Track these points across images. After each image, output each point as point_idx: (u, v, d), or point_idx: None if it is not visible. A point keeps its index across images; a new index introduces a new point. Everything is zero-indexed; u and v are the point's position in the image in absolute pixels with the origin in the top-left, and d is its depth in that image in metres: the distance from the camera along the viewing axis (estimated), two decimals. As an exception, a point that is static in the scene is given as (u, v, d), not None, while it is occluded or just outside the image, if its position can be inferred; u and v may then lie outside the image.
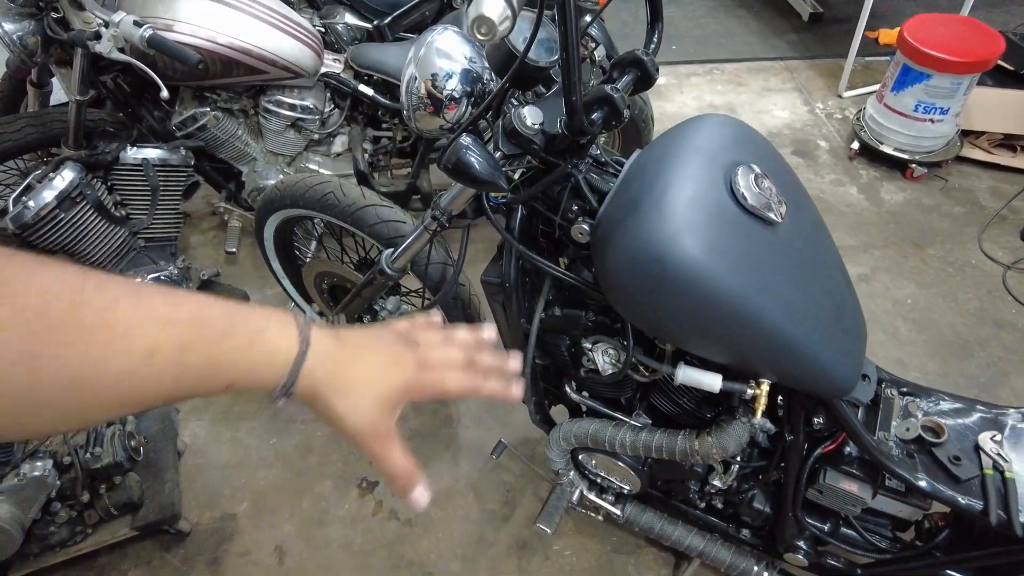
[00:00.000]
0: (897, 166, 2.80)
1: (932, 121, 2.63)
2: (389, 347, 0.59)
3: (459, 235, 1.35)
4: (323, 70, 2.07)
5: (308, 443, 1.99)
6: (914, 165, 2.73)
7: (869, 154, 2.85)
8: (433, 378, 0.59)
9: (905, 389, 1.32)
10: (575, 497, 1.58)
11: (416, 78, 1.17)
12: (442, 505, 1.84)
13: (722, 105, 3.16)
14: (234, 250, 2.35)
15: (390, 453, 0.56)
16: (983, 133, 2.83)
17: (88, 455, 1.54)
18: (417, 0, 2.19)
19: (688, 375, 1.15)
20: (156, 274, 1.93)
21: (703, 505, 1.52)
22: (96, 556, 1.75)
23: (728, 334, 1.02)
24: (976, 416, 1.27)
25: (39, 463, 1.52)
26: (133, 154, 1.91)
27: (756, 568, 1.51)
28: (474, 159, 0.96)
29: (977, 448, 1.22)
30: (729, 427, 1.20)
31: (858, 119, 2.90)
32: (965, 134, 2.85)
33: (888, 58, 2.83)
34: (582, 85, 1.04)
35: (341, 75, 2.10)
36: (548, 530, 1.50)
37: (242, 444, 1.99)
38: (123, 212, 1.94)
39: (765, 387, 1.11)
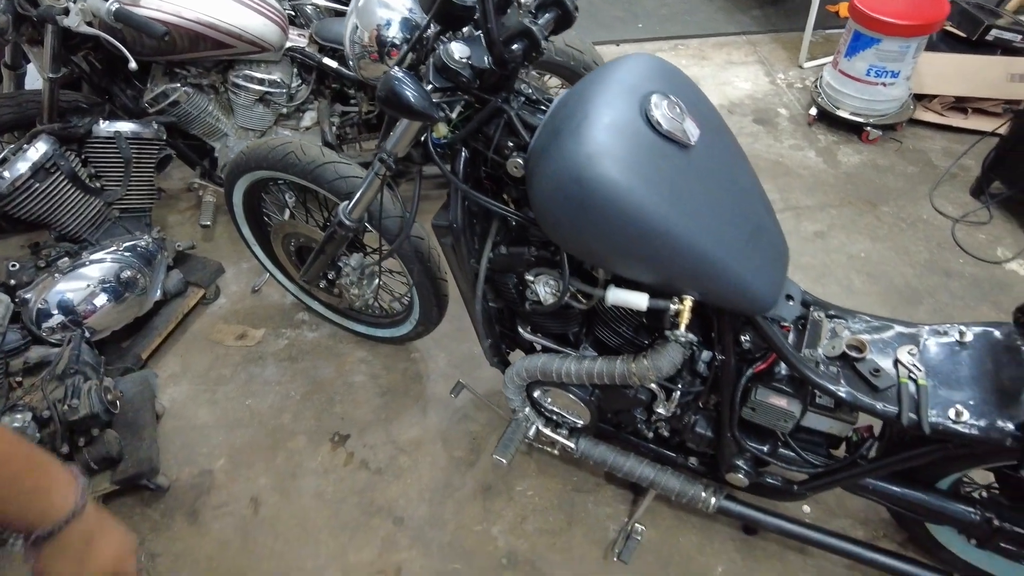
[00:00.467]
0: (854, 130, 2.89)
1: (884, 84, 2.72)
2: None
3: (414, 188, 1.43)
4: (288, 44, 2.15)
5: (282, 403, 2.06)
6: (869, 128, 2.82)
7: (827, 119, 2.94)
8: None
9: (832, 312, 1.41)
10: (532, 433, 1.66)
11: (358, 27, 1.25)
12: (411, 454, 1.92)
13: (685, 78, 3.24)
14: (208, 223, 2.42)
15: None
16: (936, 97, 2.93)
17: (66, 407, 1.61)
18: None
19: (617, 296, 1.23)
20: (132, 243, 2.00)
21: (651, 435, 1.61)
22: (79, 511, 1.82)
23: (646, 250, 1.10)
24: (896, 333, 1.35)
25: (18, 415, 1.59)
26: (106, 127, 1.99)
27: (704, 494, 1.59)
28: (406, 90, 1.04)
29: (896, 362, 1.30)
30: (662, 348, 1.28)
31: (816, 86, 2.99)
32: (919, 98, 2.95)
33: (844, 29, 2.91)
34: (507, 26, 1.12)
35: (306, 49, 2.18)
36: (503, 460, 1.58)
37: (219, 406, 2.06)
38: (98, 184, 2.01)
39: (688, 302, 1.19)
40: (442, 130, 1.24)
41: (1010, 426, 1.15)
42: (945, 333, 1.34)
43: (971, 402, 1.21)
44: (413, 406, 2.04)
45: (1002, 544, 1.36)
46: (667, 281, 1.18)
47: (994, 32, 3.06)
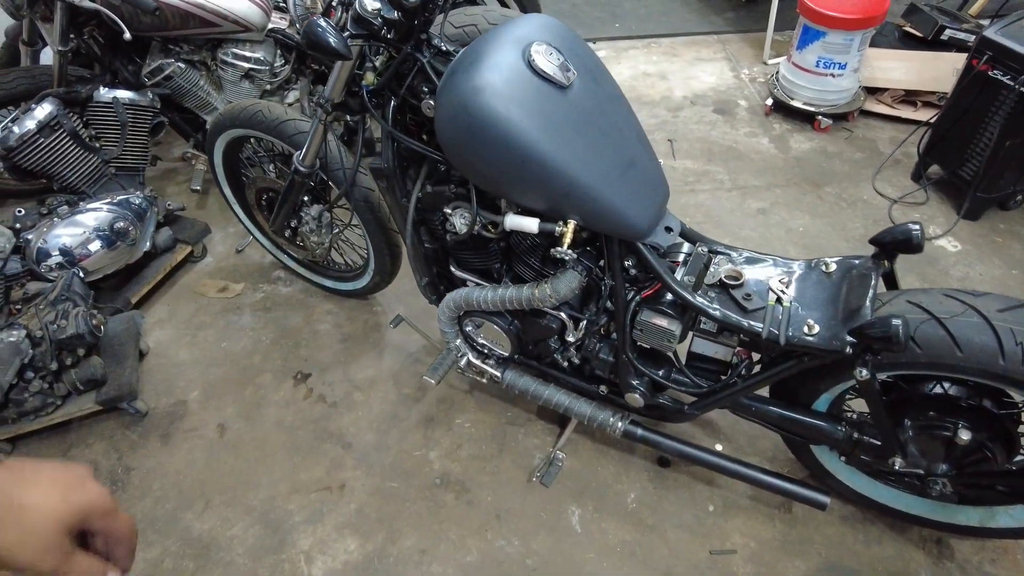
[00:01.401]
0: (807, 119, 3.06)
1: (833, 75, 2.89)
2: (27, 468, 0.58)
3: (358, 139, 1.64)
4: (271, 26, 2.39)
5: (254, 346, 2.28)
6: (820, 117, 2.99)
7: (783, 110, 3.12)
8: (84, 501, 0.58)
9: (717, 248, 1.58)
10: (463, 363, 1.85)
11: (300, -10, 1.47)
12: (364, 391, 2.12)
13: (654, 72, 3.44)
14: (199, 188, 2.67)
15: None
16: (887, 90, 3.09)
17: (55, 327, 1.84)
18: None
19: (513, 220, 1.43)
20: (125, 197, 2.25)
21: (566, 365, 1.79)
22: (67, 431, 2.05)
23: (524, 174, 1.29)
24: (772, 266, 1.53)
25: (14, 332, 1.82)
26: (105, 93, 2.24)
27: (612, 419, 1.76)
28: (324, 34, 1.26)
29: (768, 289, 1.48)
30: (560, 274, 1.47)
31: (773, 78, 3.17)
32: (872, 91, 3.11)
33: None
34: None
35: (287, 30, 2.42)
36: (432, 381, 1.78)
37: (198, 347, 2.28)
38: (97, 144, 2.26)
39: (571, 225, 1.38)
40: (370, 78, 1.45)
41: (848, 335, 1.32)
42: (815, 266, 1.51)
43: (822, 319, 1.38)
44: (371, 351, 2.24)
45: (862, 456, 1.52)
46: (551, 206, 1.37)
47: (948, 32, 3.22)
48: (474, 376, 1.90)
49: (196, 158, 2.68)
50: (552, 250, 1.42)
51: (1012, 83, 2.26)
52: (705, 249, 1.57)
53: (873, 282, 1.39)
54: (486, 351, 1.85)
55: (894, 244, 1.42)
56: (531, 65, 1.28)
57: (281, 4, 2.59)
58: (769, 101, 3.12)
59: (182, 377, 2.20)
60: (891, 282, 1.49)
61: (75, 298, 1.93)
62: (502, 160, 1.29)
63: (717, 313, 1.43)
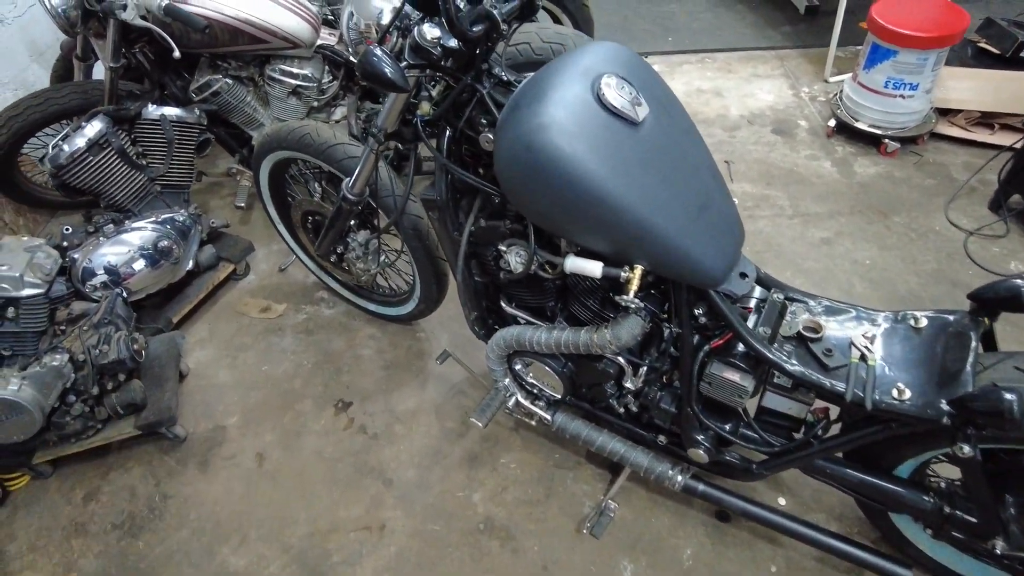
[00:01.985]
0: (873, 142, 2.90)
1: (903, 97, 2.73)
2: None
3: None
4: (319, 42, 2.34)
5: (295, 370, 2.22)
6: (887, 140, 2.82)
7: (847, 132, 2.96)
8: None
9: (793, 295, 1.46)
10: (511, 403, 1.76)
11: (354, 15, 1.40)
12: (406, 423, 2.05)
13: (708, 89, 3.31)
14: (243, 205, 2.64)
15: None
16: (961, 111, 2.91)
17: (97, 351, 1.81)
18: None
19: (575, 263, 1.33)
20: (170, 215, 2.21)
21: (622, 411, 1.68)
22: (106, 454, 2.02)
23: (591, 216, 1.20)
24: (854, 318, 1.40)
25: (57, 356, 1.79)
26: (153, 111, 2.21)
27: (671, 472, 1.65)
28: (381, 64, 1.18)
29: (851, 344, 1.35)
30: (622, 319, 1.37)
31: (836, 98, 3.01)
32: (944, 112, 2.93)
33: (871, 42, 2.93)
34: (474, 11, 1.25)
35: (336, 47, 2.37)
36: (480, 423, 1.69)
37: (238, 370, 2.24)
38: (143, 161, 2.24)
39: (638, 271, 1.28)
40: (426, 108, 1.37)
41: (945, 404, 1.19)
42: (902, 319, 1.38)
43: (915, 382, 1.25)
44: (413, 380, 2.17)
45: (953, 533, 1.38)
46: (616, 249, 1.27)
47: (1029, 49, 3.02)
48: (522, 417, 1.80)
49: (241, 174, 2.65)
50: (616, 297, 1.32)
51: (1111, 112, 2.07)
52: (780, 296, 1.45)
53: (973, 344, 1.25)
54: (536, 391, 1.75)
55: (997, 301, 1.29)
56: (600, 99, 1.19)
57: (330, 18, 2.54)
58: (832, 122, 2.96)
59: (221, 401, 2.15)
60: (990, 342, 1.35)
61: (118, 321, 1.90)
62: (566, 201, 1.20)
63: (795, 370, 1.32)
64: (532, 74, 1.33)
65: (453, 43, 1.21)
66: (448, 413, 2.07)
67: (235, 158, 2.65)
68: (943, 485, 1.47)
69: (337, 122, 2.54)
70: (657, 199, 1.21)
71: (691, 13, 3.92)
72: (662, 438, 1.67)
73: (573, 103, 1.17)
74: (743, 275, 1.39)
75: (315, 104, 2.47)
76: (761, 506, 1.63)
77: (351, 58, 2.35)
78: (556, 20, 2.81)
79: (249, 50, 2.24)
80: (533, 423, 1.81)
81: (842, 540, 1.57)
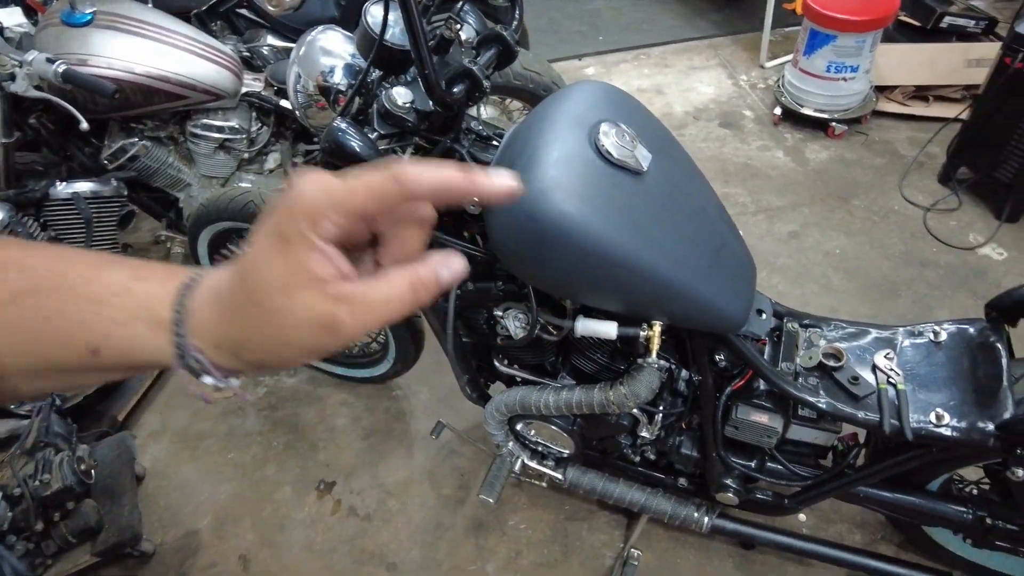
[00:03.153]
0: (819, 126, 2.90)
1: (845, 80, 2.74)
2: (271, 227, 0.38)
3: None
4: (244, 90, 2.13)
5: (266, 454, 2.02)
6: (834, 123, 2.83)
7: (792, 118, 2.95)
8: (339, 190, 0.37)
9: (807, 322, 1.39)
10: (518, 467, 1.63)
11: (301, 76, 1.23)
12: (399, 497, 1.89)
13: (648, 87, 3.25)
14: (179, 275, 2.39)
15: (365, 311, 0.37)
16: (897, 87, 2.95)
17: (37, 483, 1.57)
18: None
19: (587, 326, 1.21)
20: (98, 304, 1.96)
21: (638, 459, 1.58)
22: (62, 586, 1.77)
23: (608, 280, 1.08)
24: (872, 338, 1.34)
25: (-12, 495, 1.54)
26: (63, 189, 1.95)
27: (696, 514, 1.56)
28: (350, 140, 1.03)
29: (874, 367, 1.29)
30: (638, 374, 1.26)
31: (779, 85, 3.00)
32: (880, 90, 2.97)
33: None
34: (451, 64, 1.11)
35: (262, 93, 2.16)
36: (490, 500, 1.55)
37: (201, 462, 2.02)
38: (59, 247, 1.97)
39: (657, 328, 1.17)
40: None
41: (991, 426, 1.14)
42: (920, 334, 1.33)
43: (951, 403, 1.20)
44: (398, 446, 2.01)
45: (997, 542, 1.35)
46: (633, 308, 1.16)
47: (947, 19, 3.09)
48: (531, 480, 1.68)
49: (171, 240, 2.40)
50: (640, 360, 1.21)
51: (1053, 81, 2.11)
52: (795, 324, 1.38)
53: (1003, 358, 1.21)
54: (542, 449, 1.63)
55: (1016, 309, 1.25)
56: (601, 152, 1.07)
57: (251, 60, 2.31)
58: (778, 110, 2.95)
59: (188, 501, 1.93)
60: (1008, 348, 1.31)
61: (56, 441, 1.66)
62: (579, 269, 1.07)
63: (825, 406, 1.25)
64: (513, 127, 1.20)
65: (429, 106, 1.07)
66: (443, 479, 1.92)
67: (162, 223, 2.39)
68: (975, 492, 1.44)
69: (271, 171, 2.33)
70: (674, 252, 1.10)
71: (617, 9, 3.86)
72: (682, 480, 1.58)
73: (573, 160, 1.05)
74: (760, 311, 1.31)
75: (246, 156, 2.25)
76: (783, 532, 1.58)
77: (281, 103, 2.15)
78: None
79: (167, 108, 2.00)
80: (544, 484, 1.69)
81: (871, 556, 1.53)
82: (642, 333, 1.18)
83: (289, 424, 2.08)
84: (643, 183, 1.10)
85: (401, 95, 1.05)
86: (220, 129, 2.14)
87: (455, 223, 1.33)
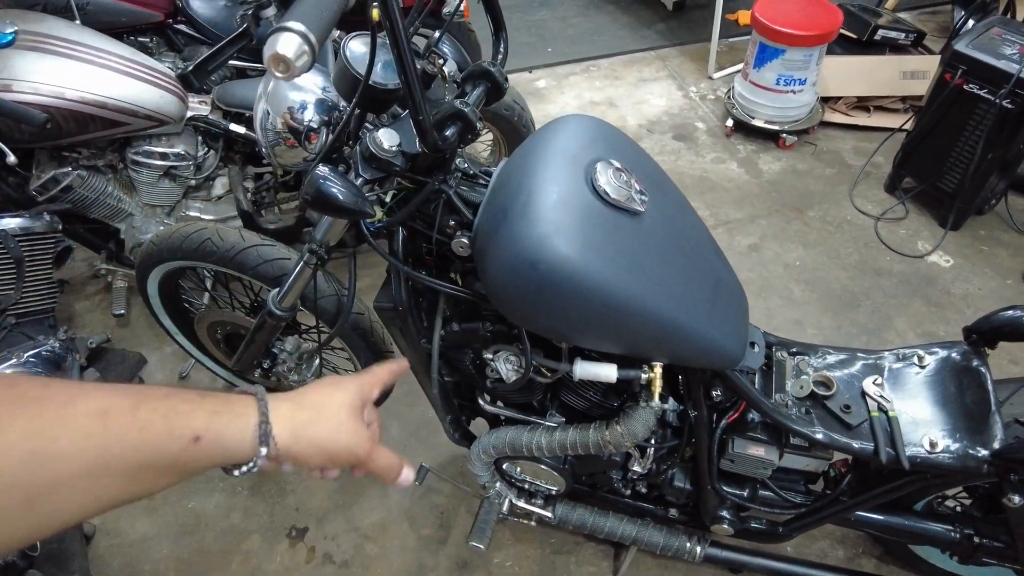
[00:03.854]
0: (770, 137, 2.96)
1: (794, 92, 2.80)
2: (326, 379, 0.67)
3: (348, 265, 1.32)
4: (190, 114, 1.99)
5: (229, 501, 1.90)
6: (784, 135, 2.89)
7: (744, 129, 3.01)
8: (370, 376, 0.70)
9: (794, 349, 1.39)
10: (505, 507, 1.58)
11: (269, 113, 1.14)
12: (377, 539, 1.80)
13: (602, 100, 3.25)
14: (123, 312, 2.22)
15: (377, 455, 0.65)
16: (840, 98, 3.04)
17: (-25, 561, 1.41)
18: (221, 44, 2.03)
19: (586, 370, 1.17)
20: (36, 350, 1.80)
21: (628, 492, 1.55)
22: (6, 666, 1.61)
23: (612, 325, 1.04)
24: (859, 364, 1.35)
25: (-82, 578, 1.38)
26: (-12, 227, 1.77)
27: (688, 544, 1.55)
28: (334, 188, 0.94)
29: (863, 394, 1.30)
30: (635, 413, 1.23)
31: (729, 97, 3.05)
32: (825, 100, 3.05)
33: (747, 37, 2.98)
34: (436, 102, 1.05)
35: (209, 116, 2.02)
36: (481, 546, 1.49)
37: (158, 513, 1.88)
38: (-14, 291, 1.80)
39: (659, 369, 1.14)
40: (376, 213, 1.14)
41: (984, 452, 1.16)
42: (905, 358, 1.35)
43: (943, 429, 1.22)
44: (371, 486, 1.91)
45: (984, 559, 1.38)
46: (635, 350, 1.13)
47: (881, 32, 3.20)
48: (519, 520, 1.62)
49: (112, 274, 2.23)
50: (643, 404, 1.17)
51: (992, 97, 2.21)
52: (784, 353, 1.37)
53: (989, 383, 1.24)
54: (530, 487, 1.58)
55: (994, 333, 1.28)
56: (599, 193, 1.03)
57: (197, 83, 2.17)
58: (730, 122, 2.99)
59: (147, 559, 1.79)
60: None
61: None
62: (579, 314, 1.03)
63: (822, 437, 1.24)
64: (501, 165, 1.14)
65: (416, 148, 1.00)
66: (421, 518, 1.84)
67: (101, 255, 2.22)
68: (958, 510, 1.48)
69: (220, 198, 2.19)
70: (676, 292, 1.07)
71: (563, 19, 3.85)
72: (673, 512, 1.56)
73: (571, 203, 1.00)
74: (752, 344, 1.30)
75: (192, 183, 2.11)
76: (780, 558, 1.59)
77: (231, 127, 2.02)
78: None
79: (104, 136, 1.85)
80: (532, 523, 1.64)
81: (859, 576, 1.55)
82: (644, 376, 1.15)
83: (252, 468, 1.96)
84: (641, 223, 1.07)
85: (387, 138, 0.98)
86: (164, 156, 2.00)
87: (438, 261, 1.27)
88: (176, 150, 2.00)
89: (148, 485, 0.50)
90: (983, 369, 1.26)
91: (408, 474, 0.69)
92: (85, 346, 2.00)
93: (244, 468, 0.56)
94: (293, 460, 0.59)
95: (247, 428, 0.54)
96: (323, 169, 0.95)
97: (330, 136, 1.08)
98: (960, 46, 2.27)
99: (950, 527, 1.39)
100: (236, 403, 0.55)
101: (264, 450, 0.55)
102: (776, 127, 2.90)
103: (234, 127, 2.03)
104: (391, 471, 0.67)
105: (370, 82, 0.95)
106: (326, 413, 0.61)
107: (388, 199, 1.14)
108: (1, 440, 0.40)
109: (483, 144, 2.54)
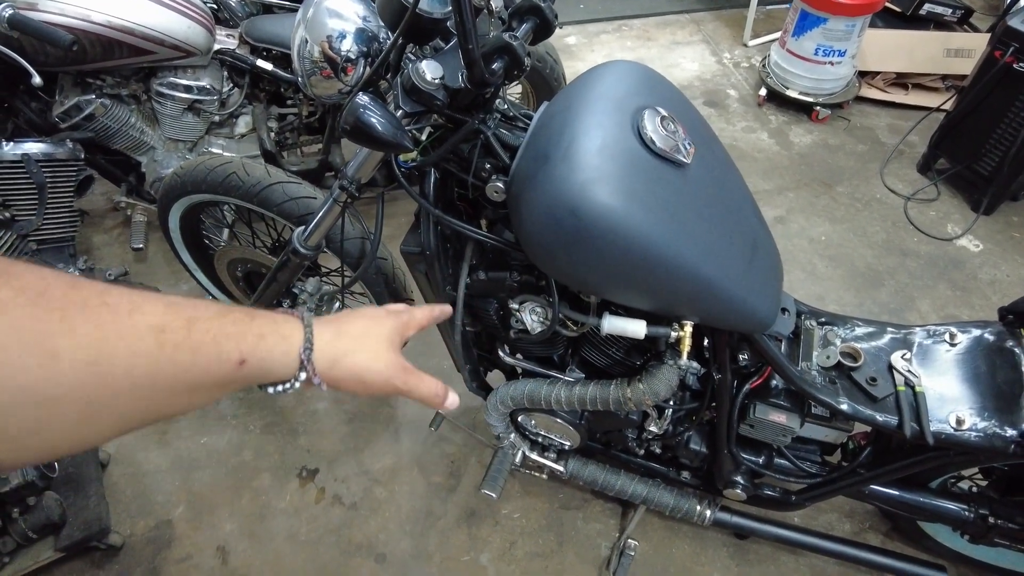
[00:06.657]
0: (803, 109, 2.89)
1: (832, 63, 2.72)
2: (367, 310, 0.68)
3: (375, 207, 1.30)
4: (217, 47, 1.95)
5: (241, 439, 1.91)
6: (819, 107, 2.82)
7: (776, 99, 2.93)
8: (410, 316, 0.71)
9: (823, 319, 1.37)
10: (518, 459, 1.58)
11: (308, 41, 1.11)
12: (387, 484, 1.81)
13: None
14: (141, 246, 2.21)
15: (417, 382, 0.65)
16: (878, 73, 2.96)
17: (-5, 478, 1.43)
18: None
19: (614, 324, 1.15)
20: (53, 278, 1.79)
21: (642, 452, 1.55)
22: (21, 583, 1.64)
23: (648, 279, 1.02)
24: (888, 338, 1.33)
25: (-61, 492, 1.40)
26: (10, 150, 1.75)
27: (699, 508, 1.55)
28: (374, 119, 0.92)
29: (891, 368, 1.28)
30: (658, 371, 1.21)
31: (764, 66, 2.97)
32: (862, 75, 2.97)
33: (787, 5, 2.90)
34: (480, 36, 1.01)
35: (237, 51, 1.98)
36: (493, 495, 1.50)
37: (171, 447, 1.89)
38: (7, 214, 1.78)
39: (688, 328, 1.13)
40: (410, 152, 1.11)
41: (1013, 432, 1.14)
42: (936, 335, 1.32)
43: (970, 408, 1.20)
44: (384, 432, 1.93)
45: (996, 540, 1.38)
46: (667, 307, 1.11)
47: (927, 6, 3.11)
48: (531, 472, 1.63)
49: (132, 207, 2.22)
50: (670, 362, 1.16)
51: (1043, 76, 2.14)
52: (813, 322, 1.35)
53: (1023, 364, 1.21)
54: (544, 441, 1.58)
55: (1035, 313, 1.25)
56: (645, 141, 0.99)
57: (222, 14, 2.12)
58: (763, 91, 2.92)
59: (159, 489, 1.81)
60: (1021, 348, 1.32)
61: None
62: (617, 265, 1.00)
63: (846, 407, 1.23)
64: (542, 107, 1.11)
65: (459, 83, 0.97)
66: (432, 465, 1.85)
67: (121, 188, 2.20)
68: (974, 490, 1.47)
69: (243, 136, 2.16)
70: (716, 250, 1.05)
71: (598, -24, 3.74)
72: (686, 474, 1.56)
73: (616, 150, 0.97)
74: (784, 310, 1.28)
75: (216, 119, 2.08)
76: (787, 527, 1.59)
77: (258, 63, 1.98)
78: None
79: (130, 63, 1.81)
80: (544, 476, 1.64)
81: (864, 548, 1.56)
82: (673, 334, 1.13)
83: (266, 407, 1.98)
84: (685, 176, 1.04)
85: (431, 70, 0.95)
86: (189, 89, 1.96)
87: (469, 207, 1.24)
88: (201, 83, 1.96)
89: (187, 403, 0.49)
90: (1017, 350, 1.23)
91: (454, 398, 0.69)
92: (104, 278, 2.00)
93: (280, 387, 0.57)
94: (329, 384, 0.59)
95: (291, 352, 0.55)
96: (363, 98, 0.92)
97: (369, 66, 1.04)
98: (1015, 22, 2.19)
99: (965, 506, 1.38)
100: (283, 325, 0.56)
101: (303, 375, 0.56)
102: (810, 99, 2.83)
103: (261, 63, 1.99)
104: (437, 397, 0.67)
105: (417, 9, 0.91)
106: (366, 344, 0.62)
107: (424, 138, 1.11)
108: (66, 343, 0.39)
109: (513, 96, 2.49)
